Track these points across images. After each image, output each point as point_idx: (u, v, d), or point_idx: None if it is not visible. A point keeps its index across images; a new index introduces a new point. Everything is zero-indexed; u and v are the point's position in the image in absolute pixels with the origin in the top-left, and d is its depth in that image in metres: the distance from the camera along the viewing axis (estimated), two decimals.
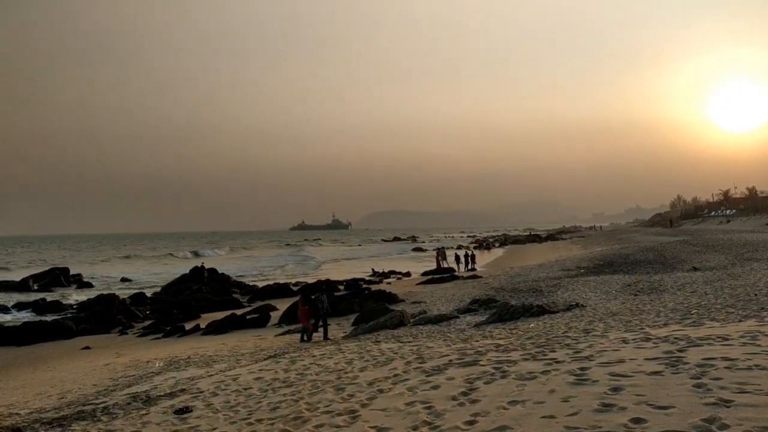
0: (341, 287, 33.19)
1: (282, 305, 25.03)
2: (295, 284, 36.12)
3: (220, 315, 23.93)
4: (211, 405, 8.12)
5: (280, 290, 32.75)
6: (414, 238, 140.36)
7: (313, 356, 11.31)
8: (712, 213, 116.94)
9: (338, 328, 18.25)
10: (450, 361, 8.34)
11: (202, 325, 22.11)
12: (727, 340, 7.23)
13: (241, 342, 17.58)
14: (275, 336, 18.55)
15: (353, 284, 34.11)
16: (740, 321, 8.94)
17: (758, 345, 6.76)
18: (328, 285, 32.98)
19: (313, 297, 17.05)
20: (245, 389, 8.87)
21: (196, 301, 29.17)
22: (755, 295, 13.38)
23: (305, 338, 16.09)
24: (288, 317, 21.91)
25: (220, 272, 40.83)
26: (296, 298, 26.05)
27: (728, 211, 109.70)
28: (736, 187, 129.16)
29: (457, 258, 44.14)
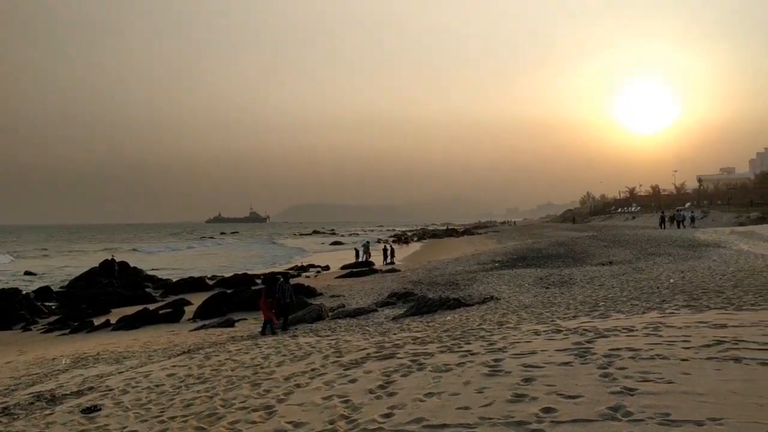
0: (258, 281, 32.72)
1: (197, 299, 24.43)
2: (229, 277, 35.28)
3: (131, 310, 23.08)
4: (120, 403, 7.82)
5: (195, 284, 31.91)
6: (333, 232, 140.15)
7: (229, 352, 11.09)
8: (619, 210, 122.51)
9: (255, 322, 17.98)
10: (368, 354, 8.35)
11: (113, 321, 21.29)
12: (631, 331, 7.57)
13: (154, 338, 17.04)
14: (189, 331, 18.08)
15: (269, 278, 33.65)
16: (644, 313, 9.39)
17: (660, 336, 7.12)
18: (245, 279, 32.43)
19: (274, 286, 16.15)
20: (157, 386, 8.59)
21: (106, 295, 28.02)
22: (657, 288, 14.12)
23: (267, 332, 15.08)
24: (204, 312, 21.42)
25: (132, 266, 39.46)
26: (212, 293, 25.56)
27: (634, 208, 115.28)
28: (641, 186, 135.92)
29: (385, 251, 44.46)
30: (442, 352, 7.73)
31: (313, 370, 7.89)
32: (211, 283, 32.64)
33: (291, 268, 41.15)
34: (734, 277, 15.11)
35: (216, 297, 23.23)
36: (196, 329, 18.40)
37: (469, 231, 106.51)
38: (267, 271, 38.75)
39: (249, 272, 37.04)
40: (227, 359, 10.09)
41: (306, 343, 10.74)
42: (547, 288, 17.73)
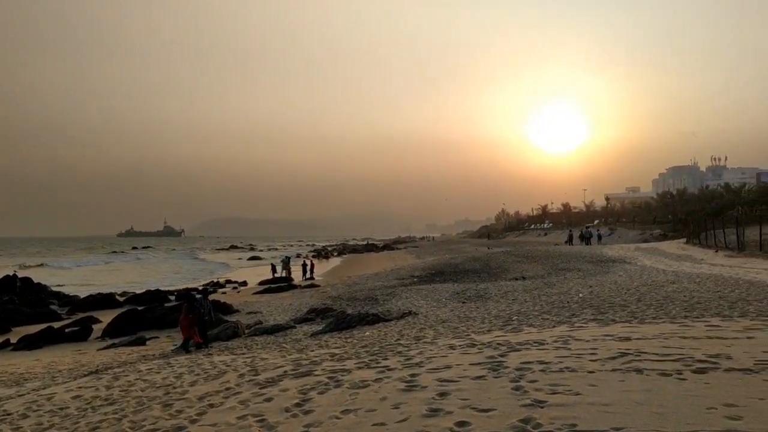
0: (172, 297, 31.75)
1: (106, 317, 23.45)
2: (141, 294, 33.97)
3: (35, 328, 21.91)
4: (20, 429, 7.39)
5: (104, 301, 30.63)
6: (252, 247, 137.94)
7: (139, 371, 10.69)
8: (532, 226, 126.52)
9: (168, 340, 17.44)
10: (285, 372, 8.25)
11: (13, 340, 20.14)
12: (542, 344, 7.82)
13: (59, 358, 16.23)
14: (98, 350, 17.33)
15: (186, 294, 32.73)
16: (554, 326, 9.72)
17: (569, 348, 7.38)
18: (158, 295, 31.42)
19: (194, 302, 15.64)
20: (61, 409, 8.17)
21: (7, 313, 26.45)
22: (568, 302, 14.66)
23: (189, 349, 14.64)
24: (113, 330, 20.60)
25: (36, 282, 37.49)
26: (122, 310, 24.57)
27: (546, 225, 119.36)
28: (552, 203, 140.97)
29: (304, 266, 44.04)
30: (359, 368, 7.73)
31: (227, 389, 7.72)
32: (121, 299, 31.45)
33: (207, 284, 40.18)
34: (638, 291, 15.87)
35: (126, 314, 22.39)
36: (104, 348, 17.67)
37: (389, 246, 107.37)
38: (185, 286, 37.68)
39: (164, 288, 35.88)
40: (137, 379, 9.73)
41: (221, 361, 10.50)
42: (464, 302, 18.06)
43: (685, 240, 48.46)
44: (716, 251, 33.75)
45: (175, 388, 8.45)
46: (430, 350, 8.34)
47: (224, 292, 35.28)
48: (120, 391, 8.87)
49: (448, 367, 7.01)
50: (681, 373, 5.86)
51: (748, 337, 7.87)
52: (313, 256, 73.49)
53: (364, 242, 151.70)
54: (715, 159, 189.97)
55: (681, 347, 7.18)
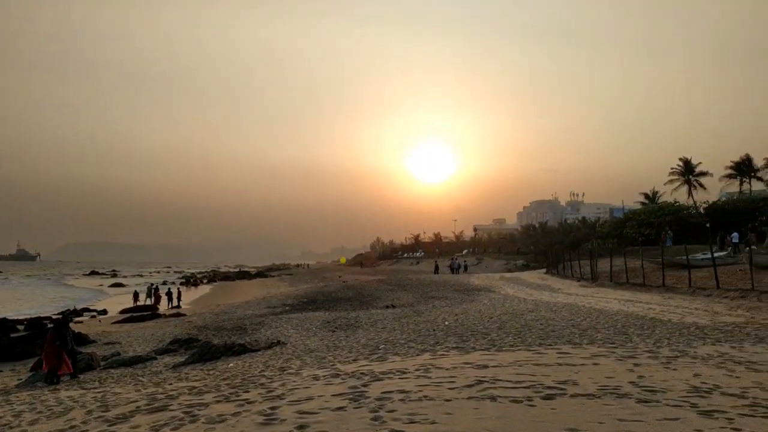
0: (21, 327, 29.28)
1: None
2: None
3: None
4: None
5: None
6: (115, 273, 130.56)
7: None
8: (405, 255, 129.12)
9: (13, 374, 16.02)
10: (138, 407, 7.79)
11: None
12: (405, 373, 7.92)
13: None
14: None
15: (36, 323, 30.33)
16: (418, 355, 9.89)
17: (429, 377, 7.52)
18: (4, 324, 28.88)
19: (62, 329, 14.33)
20: None
21: None
22: (434, 330, 14.99)
23: (55, 380, 13.33)
24: None
25: None
26: None
27: (418, 254, 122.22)
28: (425, 233, 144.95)
29: (170, 294, 42.12)
30: (218, 401, 7.45)
31: (72, 427, 7.17)
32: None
33: (61, 313, 37.42)
34: (500, 319, 16.54)
35: None
36: None
37: (262, 273, 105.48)
38: (37, 314, 34.86)
39: (12, 317, 32.98)
40: None
41: (68, 396, 9.76)
42: (334, 331, 18.01)
43: (545, 270, 51.34)
44: (578, 280, 36.01)
45: (12, 428, 7.74)
46: (294, 381, 8.20)
47: (81, 321, 33.00)
48: None
49: (310, 398, 6.91)
50: (531, 400, 6.12)
51: (594, 364, 8.39)
52: (181, 284, 70.74)
53: (237, 269, 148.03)
54: (574, 194, 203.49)
55: (533, 374, 7.53)
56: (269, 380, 8.65)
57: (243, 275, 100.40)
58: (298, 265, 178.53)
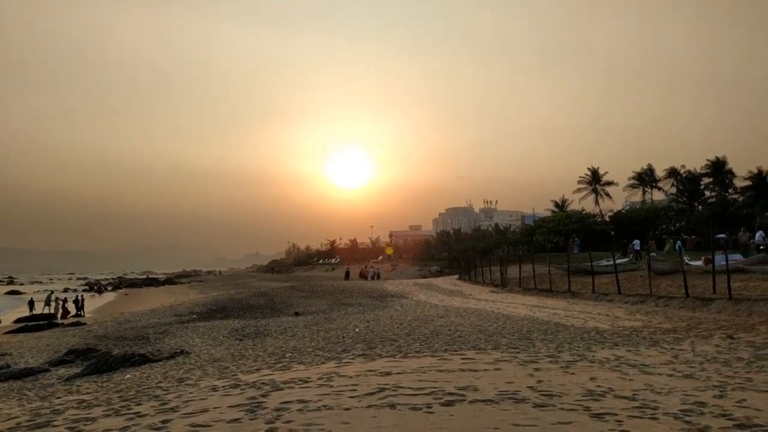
0: None
1: None
2: None
3: None
4: None
5: None
6: (12, 280, 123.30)
7: None
8: (321, 261, 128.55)
9: None
10: (18, 424, 7.22)
11: None
12: (307, 382, 7.73)
13: None
14: None
15: None
16: (323, 363, 9.71)
17: (331, 386, 7.36)
18: None
19: None
20: None
21: None
22: (343, 337, 14.84)
23: None
24: None
25: None
26: None
27: (334, 260, 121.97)
28: (341, 239, 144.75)
29: (71, 302, 40.03)
30: (107, 416, 7.01)
31: None
32: None
33: None
34: (410, 325, 16.58)
35: None
36: None
37: (171, 280, 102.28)
38: None
39: None
40: None
41: None
42: (241, 340, 17.54)
43: (458, 276, 52.24)
44: (486, 285, 36.77)
45: None
46: (190, 393, 7.85)
47: None
48: None
49: (205, 410, 6.61)
50: (430, 407, 6.08)
51: (496, 369, 8.48)
52: (85, 291, 67.59)
53: (144, 276, 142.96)
54: (487, 202, 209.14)
55: (436, 380, 7.51)
56: (165, 392, 8.25)
57: (151, 282, 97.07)
58: (209, 272, 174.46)
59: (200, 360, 13.24)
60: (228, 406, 6.66)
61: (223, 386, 8.06)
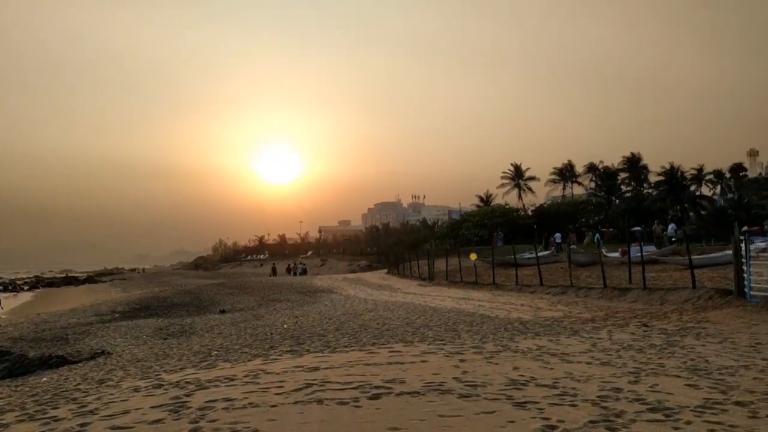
0: None
1: None
2: None
3: None
4: None
5: None
6: None
7: None
8: (249, 257, 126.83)
9: None
10: None
11: None
12: (232, 380, 7.62)
13: None
14: None
15: None
16: (250, 360, 9.60)
17: (258, 383, 7.29)
18: None
19: None
20: None
21: None
22: (271, 334, 14.71)
23: None
24: None
25: None
26: None
27: (263, 256, 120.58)
28: (269, 234, 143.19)
29: None
30: (20, 421, 6.72)
31: None
32: None
33: None
34: (338, 320, 16.60)
35: None
36: None
37: (92, 279, 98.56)
38: None
39: None
40: None
41: None
42: (166, 339, 17.12)
43: (387, 270, 52.59)
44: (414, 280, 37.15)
45: None
46: (111, 394, 7.61)
47: None
48: None
49: (126, 412, 6.43)
50: (358, 401, 6.12)
51: (423, 361, 8.60)
52: None
53: (63, 275, 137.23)
54: (416, 197, 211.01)
55: (363, 374, 7.56)
56: (84, 394, 7.97)
57: (70, 281, 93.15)
58: (132, 270, 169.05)
59: (122, 360, 12.86)
60: (150, 407, 6.49)
61: (145, 386, 7.86)
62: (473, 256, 26.07)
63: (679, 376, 7.06)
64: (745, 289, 14.91)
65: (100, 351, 15.19)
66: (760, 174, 74.69)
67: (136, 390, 7.68)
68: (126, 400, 7.09)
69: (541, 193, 77.36)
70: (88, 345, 17.47)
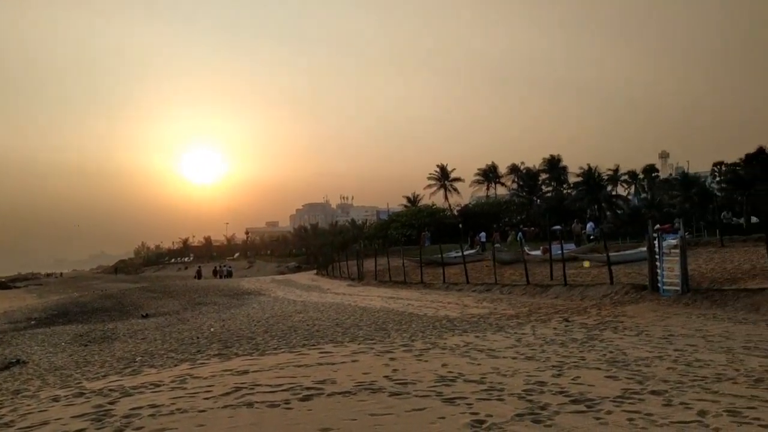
0: None
1: None
2: None
3: None
4: None
5: None
6: None
7: None
8: (173, 260, 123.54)
9: None
10: None
11: None
12: (159, 386, 7.43)
13: None
14: None
15: None
16: (176, 365, 9.38)
17: (185, 388, 7.14)
18: None
19: None
20: None
21: None
22: (198, 338, 14.41)
23: None
24: None
25: None
26: None
27: (188, 258, 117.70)
28: (194, 236, 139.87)
29: None
30: None
31: None
32: None
33: None
34: (267, 322, 16.42)
35: None
36: None
37: (4, 285, 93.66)
38: None
39: None
40: None
41: None
42: (86, 345, 16.49)
43: (316, 271, 52.37)
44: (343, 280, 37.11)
45: None
46: (28, 405, 7.28)
47: None
48: None
49: (46, 422, 6.17)
50: (288, 403, 6.09)
51: (353, 361, 8.63)
52: None
53: None
54: (344, 197, 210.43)
55: (293, 376, 7.52)
56: None
57: None
58: (48, 275, 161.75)
59: (39, 369, 12.31)
60: (71, 417, 6.25)
61: (65, 396, 7.56)
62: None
63: (599, 369, 7.36)
64: (659, 284, 15.69)
65: (14, 360, 14.50)
66: (671, 175, 78.55)
67: (56, 399, 7.37)
68: (45, 410, 6.80)
69: (466, 194, 78.82)
70: (1, 354, 16.65)
